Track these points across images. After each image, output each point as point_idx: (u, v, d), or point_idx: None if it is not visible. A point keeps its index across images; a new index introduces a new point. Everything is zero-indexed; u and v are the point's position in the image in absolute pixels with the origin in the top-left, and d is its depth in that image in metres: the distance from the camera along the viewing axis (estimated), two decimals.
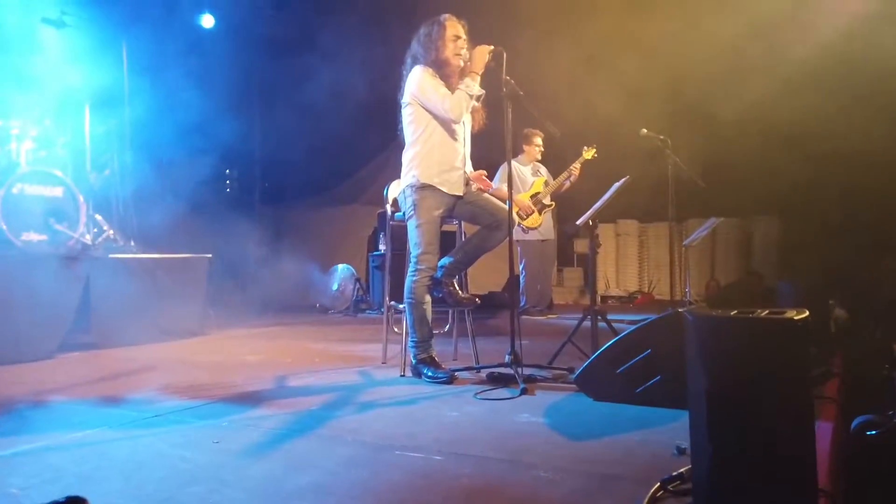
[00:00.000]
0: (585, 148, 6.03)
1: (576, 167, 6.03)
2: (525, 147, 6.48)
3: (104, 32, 5.50)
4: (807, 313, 1.60)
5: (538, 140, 6.46)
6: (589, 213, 3.78)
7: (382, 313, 4.02)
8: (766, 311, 1.66)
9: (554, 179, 6.28)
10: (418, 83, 3.34)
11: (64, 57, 5.07)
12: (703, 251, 9.22)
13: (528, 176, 6.43)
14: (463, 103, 3.27)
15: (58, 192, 4.54)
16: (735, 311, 1.67)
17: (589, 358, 3.24)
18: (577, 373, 2.94)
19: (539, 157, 6.52)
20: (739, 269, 9.27)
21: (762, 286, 8.13)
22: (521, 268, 6.61)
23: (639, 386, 2.74)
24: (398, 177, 3.56)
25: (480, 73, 3.32)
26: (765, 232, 9.20)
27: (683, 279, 7.41)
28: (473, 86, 3.28)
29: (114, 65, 5.71)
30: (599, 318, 3.69)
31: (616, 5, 6.49)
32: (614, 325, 3.84)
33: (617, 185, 3.86)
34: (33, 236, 4.38)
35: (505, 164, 5.87)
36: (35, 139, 4.65)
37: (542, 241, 6.61)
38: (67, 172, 4.72)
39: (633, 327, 2.81)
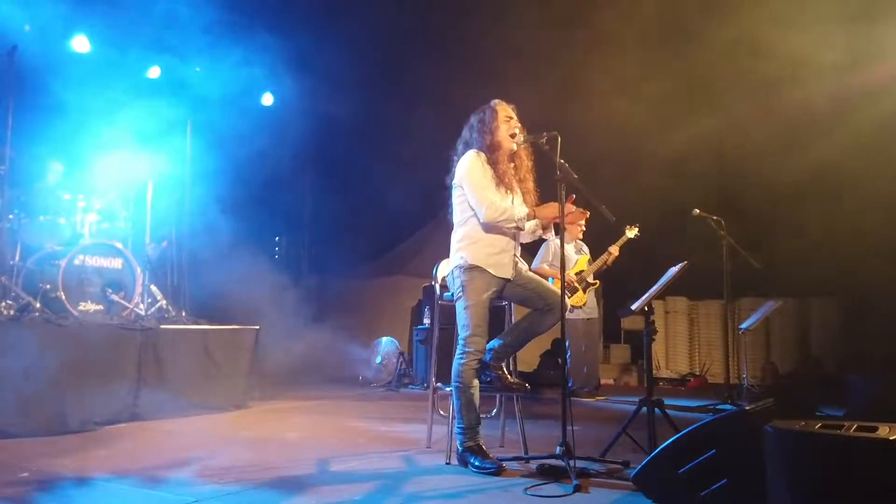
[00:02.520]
0: (628, 227, 5.93)
1: (614, 248, 5.94)
2: (567, 226, 6.42)
3: (172, 112, 5.80)
4: None
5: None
6: (645, 297, 3.67)
7: (426, 388, 3.92)
8: (855, 426, 1.53)
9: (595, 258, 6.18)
10: (467, 169, 3.35)
11: (132, 135, 5.34)
12: (758, 332, 8.85)
13: (571, 254, 6.37)
14: (500, 218, 3.26)
15: (117, 263, 4.68)
16: (820, 425, 1.54)
17: (646, 453, 3.08)
18: (636, 471, 2.77)
19: (581, 237, 6.45)
20: (796, 353, 8.86)
21: (822, 373, 7.74)
22: (565, 347, 6.45)
23: (702, 489, 2.55)
24: (442, 249, 3.54)
25: (539, 220, 3.38)
26: (822, 314, 8.83)
27: (738, 362, 7.10)
28: (525, 222, 3.30)
29: (178, 142, 5.99)
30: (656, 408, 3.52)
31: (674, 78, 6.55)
32: (668, 411, 3.67)
33: (674, 269, 3.76)
34: (90, 306, 4.49)
35: (547, 243, 5.90)
36: (99, 212, 4.85)
37: (587, 319, 6.46)
38: (128, 244, 4.87)
39: (695, 424, 2.65)
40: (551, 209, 3.30)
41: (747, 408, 2.62)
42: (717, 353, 9.02)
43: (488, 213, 3.26)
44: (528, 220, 3.31)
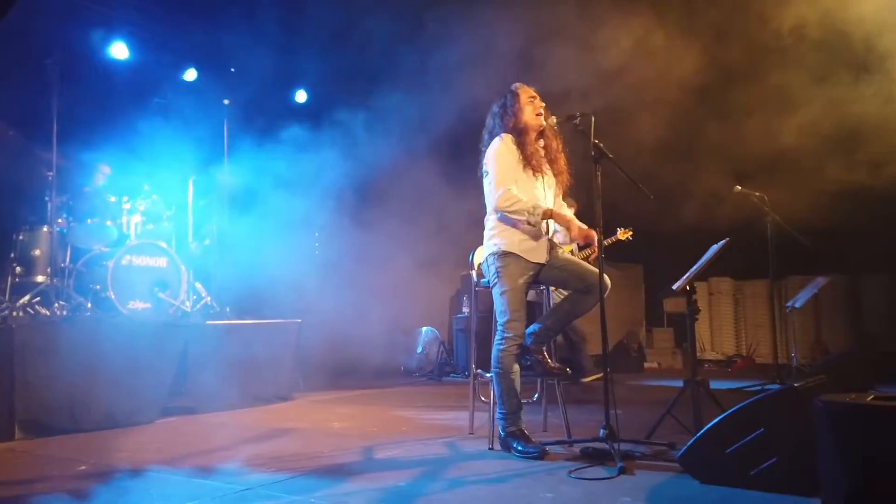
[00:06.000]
0: (621, 229, 5.67)
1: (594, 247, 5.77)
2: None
3: (209, 112, 5.92)
4: None
5: None
6: (686, 277, 3.60)
7: (467, 377, 3.93)
8: None
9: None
10: (493, 153, 3.34)
11: (172, 136, 5.47)
12: (806, 311, 8.61)
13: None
14: (510, 208, 3.21)
15: (162, 262, 4.81)
16: (872, 397, 1.49)
17: (692, 434, 3.03)
18: (682, 451, 2.73)
19: None
20: (847, 332, 8.59)
21: (876, 351, 7.47)
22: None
23: (751, 468, 2.50)
24: (481, 240, 3.53)
25: (562, 222, 3.28)
26: (874, 291, 8.53)
27: (787, 342, 6.92)
28: (538, 219, 3.18)
29: (216, 143, 6.10)
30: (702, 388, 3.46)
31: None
32: (715, 391, 3.60)
33: (715, 247, 3.67)
34: (139, 304, 4.63)
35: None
36: (143, 213, 4.99)
37: None
38: (171, 243, 5.00)
39: (743, 403, 2.59)
40: (580, 234, 3.25)
41: (796, 385, 2.55)
42: (765, 334, 8.82)
43: (500, 201, 3.24)
44: (543, 217, 3.20)
